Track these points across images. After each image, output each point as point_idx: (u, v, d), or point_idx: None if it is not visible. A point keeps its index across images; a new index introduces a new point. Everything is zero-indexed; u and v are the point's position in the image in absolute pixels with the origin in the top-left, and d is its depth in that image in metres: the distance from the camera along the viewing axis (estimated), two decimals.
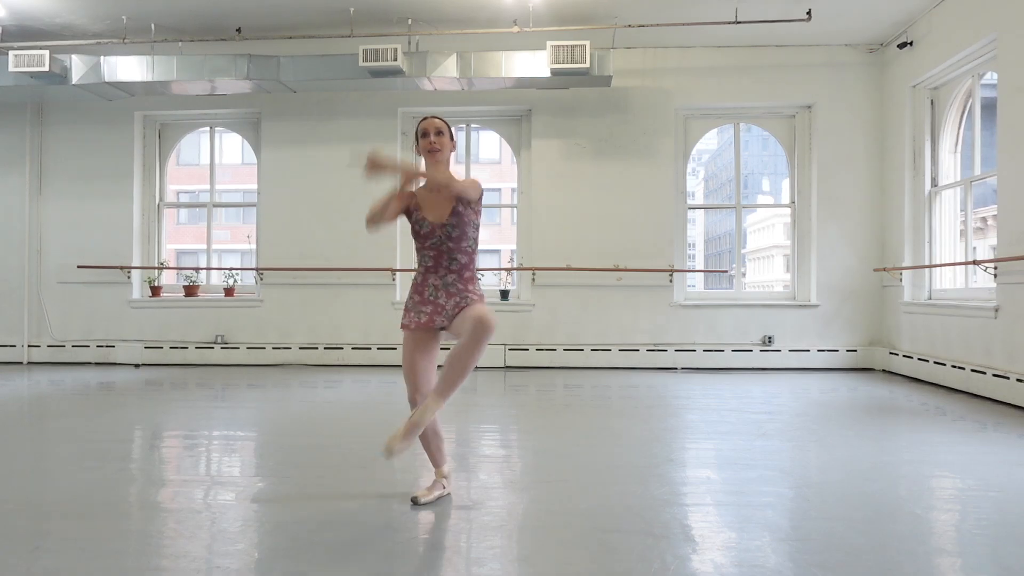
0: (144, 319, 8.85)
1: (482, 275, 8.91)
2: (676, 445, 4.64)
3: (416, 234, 3.36)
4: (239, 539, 2.85)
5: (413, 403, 3.30)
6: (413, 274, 3.36)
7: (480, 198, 3.38)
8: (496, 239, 28.98)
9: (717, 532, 2.94)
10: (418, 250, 3.40)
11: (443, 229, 3.30)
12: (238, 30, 8.01)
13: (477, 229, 3.40)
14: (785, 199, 9.23)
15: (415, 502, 3.24)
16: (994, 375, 6.12)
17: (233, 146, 25.97)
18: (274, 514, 3.14)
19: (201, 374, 7.91)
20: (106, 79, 7.86)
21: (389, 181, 3.30)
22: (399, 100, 8.63)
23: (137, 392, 6.68)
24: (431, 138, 3.35)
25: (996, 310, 6.17)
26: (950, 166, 7.55)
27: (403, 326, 3.35)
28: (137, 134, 9.01)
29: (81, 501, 3.29)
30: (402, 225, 8.77)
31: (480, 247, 3.49)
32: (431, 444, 3.37)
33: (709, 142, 63.41)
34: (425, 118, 3.43)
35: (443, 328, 3.31)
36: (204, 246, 9.48)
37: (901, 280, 7.83)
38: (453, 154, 3.50)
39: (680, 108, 8.50)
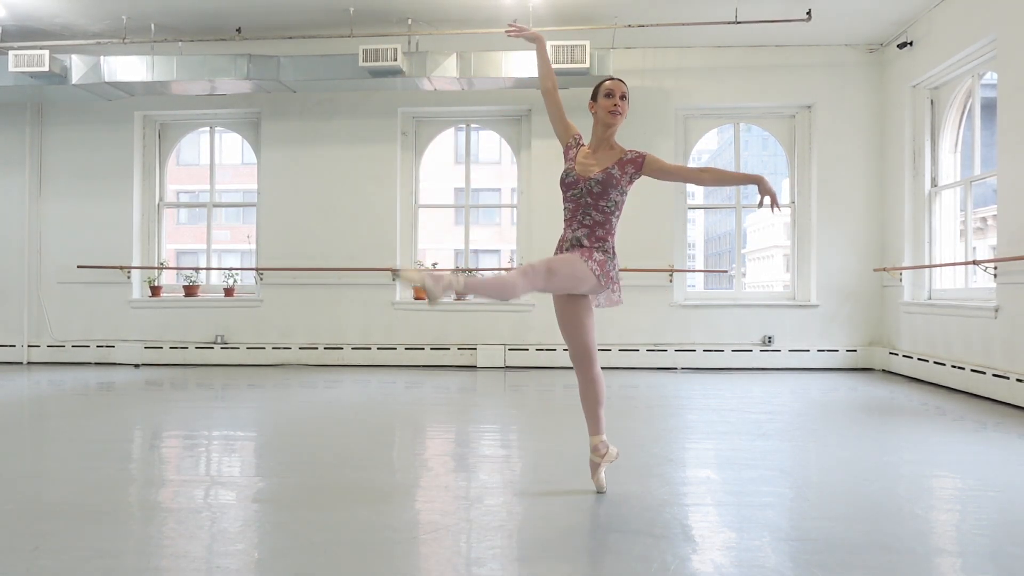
0: (144, 319, 8.85)
1: (482, 275, 8.90)
2: (676, 445, 4.64)
3: (562, 183, 3.40)
4: (239, 539, 2.85)
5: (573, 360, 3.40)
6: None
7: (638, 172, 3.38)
8: (496, 239, 28.97)
9: (717, 532, 2.94)
10: (563, 200, 3.42)
11: (587, 183, 3.31)
12: (238, 30, 8.01)
13: (623, 195, 3.38)
14: (785, 199, 9.23)
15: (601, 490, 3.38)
16: (994, 375, 6.12)
17: (233, 146, 25.95)
18: (274, 514, 3.14)
19: (201, 374, 7.91)
20: (106, 79, 7.86)
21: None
22: (399, 100, 8.63)
23: (137, 392, 6.68)
24: (616, 100, 3.35)
25: (996, 310, 6.17)
26: (950, 166, 7.55)
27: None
28: (137, 134, 9.01)
29: (81, 501, 3.29)
30: (402, 226, 8.78)
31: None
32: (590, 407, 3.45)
33: (709, 142, 63.32)
34: (611, 78, 3.44)
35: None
36: (204, 246, 9.48)
37: (901, 280, 7.83)
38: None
39: (680, 108, 8.50)
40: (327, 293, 8.66)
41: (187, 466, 4.11)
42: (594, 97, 3.43)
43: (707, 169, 3.46)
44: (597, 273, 3.24)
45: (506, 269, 3.30)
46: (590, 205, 3.32)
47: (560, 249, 3.38)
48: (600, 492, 3.39)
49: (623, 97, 3.36)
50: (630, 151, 3.39)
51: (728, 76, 8.42)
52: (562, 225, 3.43)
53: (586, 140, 3.53)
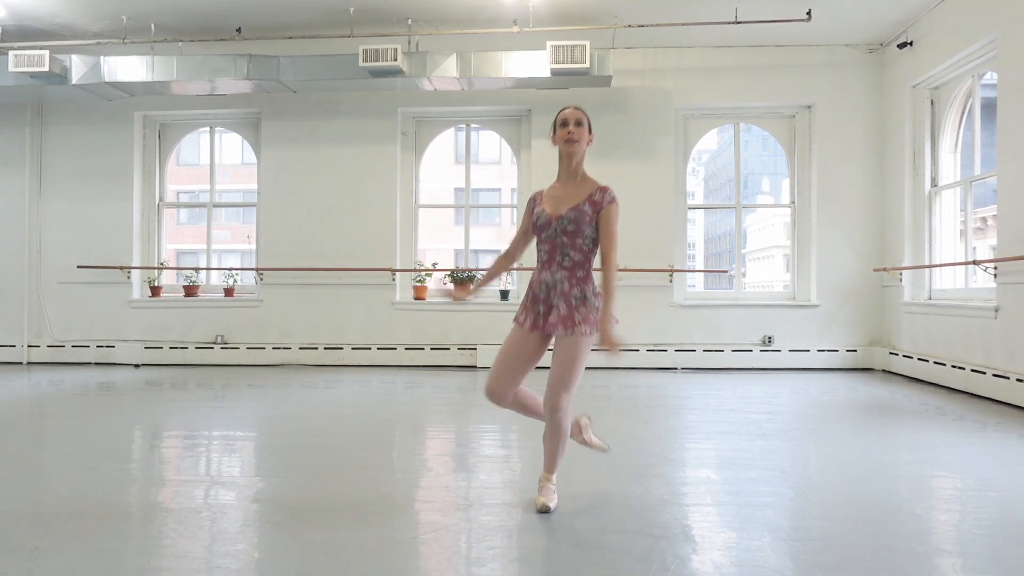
0: (144, 319, 8.85)
1: (482, 275, 8.88)
2: (676, 445, 4.64)
3: (533, 225, 3.30)
4: (239, 539, 2.85)
5: (490, 393, 3.28)
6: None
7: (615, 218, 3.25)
8: (496, 239, 28.98)
9: (717, 532, 2.94)
10: (536, 245, 3.33)
11: (559, 221, 3.20)
12: (238, 30, 8.01)
13: (596, 231, 3.21)
14: (785, 199, 9.23)
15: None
16: (994, 375, 6.12)
17: (233, 146, 25.96)
18: (274, 514, 3.14)
19: (201, 374, 7.91)
20: (106, 79, 7.86)
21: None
22: (399, 100, 8.63)
23: (137, 392, 6.68)
24: (570, 127, 3.25)
25: (996, 310, 6.17)
26: (950, 166, 7.55)
27: (515, 319, 3.32)
28: (137, 134, 9.01)
29: (81, 501, 3.29)
30: (402, 226, 8.78)
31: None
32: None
33: (709, 142, 63.38)
34: (565, 108, 3.32)
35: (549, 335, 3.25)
36: (204, 246, 9.48)
37: (901, 280, 7.83)
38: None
39: (680, 108, 8.50)
40: (327, 293, 8.66)
41: (187, 466, 4.11)
42: (553, 131, 3.33)
43: (611, 271, 3.18)
44: (591, 333, 3.16)
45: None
46: (567, 244, 3.19)
47: (531, 292, 3.26)
48: (606, 450, 3.60)
49: (578, 124, 3.25)
50: (598, 189, 3.24)
51: (728, 76, 8.41)
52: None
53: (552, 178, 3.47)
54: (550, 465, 3.26)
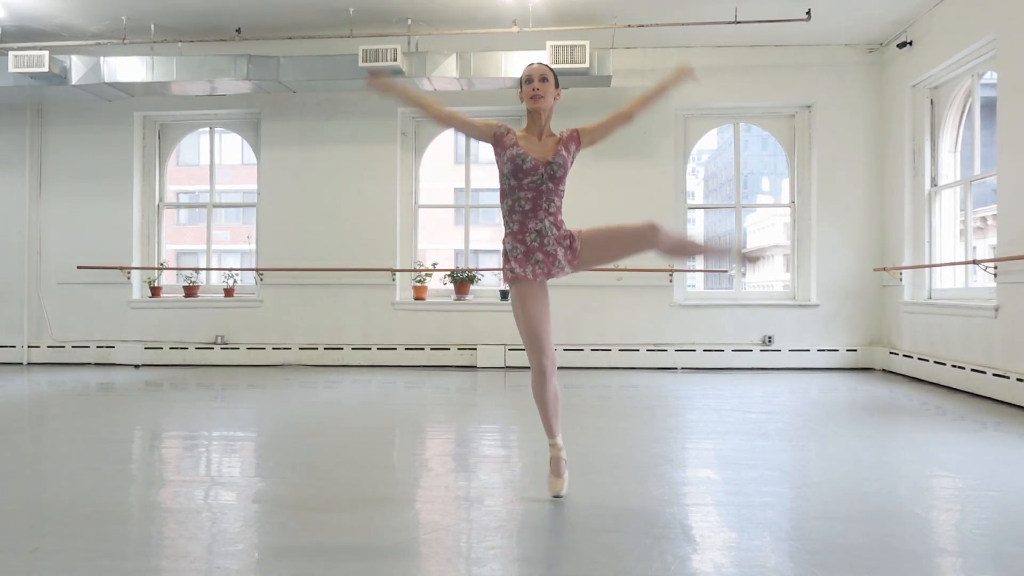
0: (144, 319, 8.85)
1: (482, 275, 8.91)
2: (676, 445, 4.64)
3: (515, 172, 3.18)
4: (239, 539, 2.85)
5: (541, 370, 3.17)
6: (503, 232, 3.31)
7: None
8: (496, 239, 28.93)
9: (717, 532, 2.94)
10: (511, 192, 3.22)
11: (548, 167, 3.17)
12: (238, 30, 8.01)
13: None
14: (785, 199, 9.23)
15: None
16: (994, 375, 6.12)
17: (233, 146, 25.94)
18: (274, 514, 3.14)
19: (201, 374, 7.91)
20: (106, 79, 7.86)
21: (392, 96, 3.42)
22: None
23: (137, 392, 6.68)
24: (535, 83, 3.20)
25: (996, 310, 6.17)
26: (950, 166, 7.55)
27: (518, 276, 3.17)
28: (137, 134, 9.01)
29: (81, 501, 3.29)
30: (402, 226, 8.78)
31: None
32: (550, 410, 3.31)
33: (709, 142, 63.26)
34: (531, 64, 3.29)
35: (555, 275, 3.22)
36: (204, 246, 9.48)
37: (901, 280, 7.83)
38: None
39: (680, 108, 8.50)
40: (327, 293, 8.66)
41: (187, 466, 4.11)
42: (520, 87, 3.28)
43: (629, 105, 3.41)
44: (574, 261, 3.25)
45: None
46: (551, 191, 3.19)
47: (521, 244, 3.20)
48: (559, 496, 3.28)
49: (543, 80, 3.20)
50: (562, 132, 3.30)
51: (728, 76, 8.41)
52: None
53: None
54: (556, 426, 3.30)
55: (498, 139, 3.24)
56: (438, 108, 3.33)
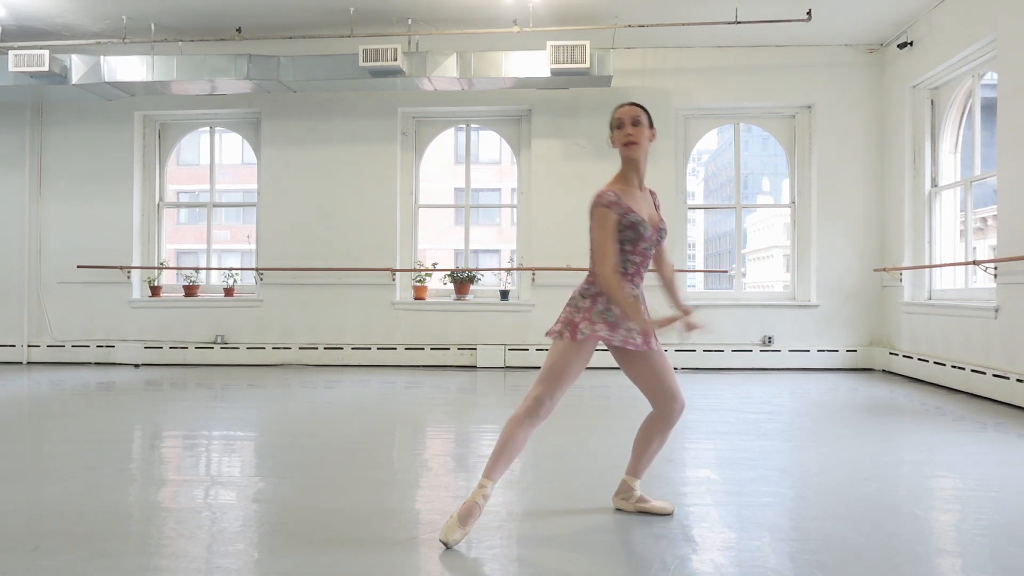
0: (144, 319, 8.85)
1: (482, 275, 8.91)
2: (676, 445, 4.63)
3: (638, 234, 2.91)
4: (239, 539, 2.85)
5: (538, 407, 2.86)
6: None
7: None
8: (496, 239, 28.98)
9: (717, 532, 2.94)
10: (624, 255, 2.94)
11: (658, 233, 2.99)
12: (238, 30, 8.01)
13: None
14: (785, 199, 9.23)
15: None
16: (994, 375, 6.12)
17: (233, 146, 25.97)
18: (274, 514, 3.14)
19: (201, 374, 7.91)
20: (106, 79, 7.86)
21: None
22: (399, 100, 8.63)
23: (137, 392, 6.68)
24: (627, 129, 2.92)
25: (996, 310, 6.17)
26: (950, 166, 7.55)
27: (599, 337, 2.88)
28: (137, 134, 9.01)
29: (81, 501, 3.29)
30: (402, 226, 8.78)
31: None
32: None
33: (709, 142, 63.36)
34: (621, 105, 2.99)
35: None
36: (204, 246, 9.48)
37: (901, 280, 7.83)
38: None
39: (680, 108, 8.50)
40: (327, 293, 8.66)
41: (187, 466, 4.11)
42: (612, 131, 3.01)
43: (667, 280, 3.14)
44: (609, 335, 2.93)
45: None
46: (651, 256, 3.04)
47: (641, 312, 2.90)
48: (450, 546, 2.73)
49: (635, 123, 2.92)
50: (651, 193, 3.12)
51: (728, 76, 8.42)
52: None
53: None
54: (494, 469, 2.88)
55: (616, 204, 2.91)
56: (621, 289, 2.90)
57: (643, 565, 2.53)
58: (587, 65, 7.29)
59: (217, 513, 3.15)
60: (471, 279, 8.70)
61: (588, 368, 3.38)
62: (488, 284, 9.09)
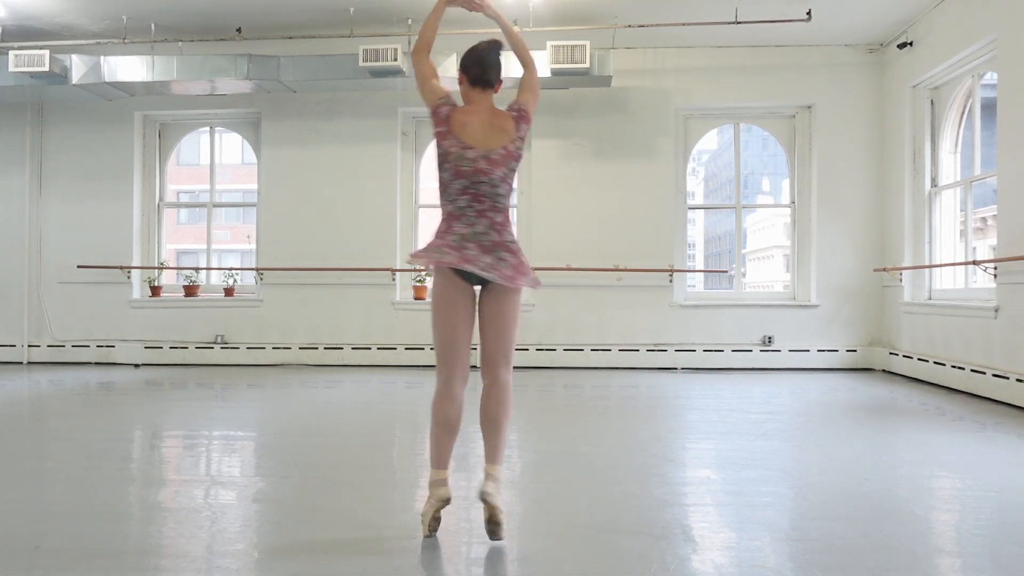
0: (144, 319, 8.85)
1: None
2: (676, 445, 4.64)
3: (457, 163, 2.75)
4: (239, 539, 2.85)
5: (447, 391, 2.86)
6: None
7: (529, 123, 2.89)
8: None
9: (717, 532, 2.94)
10: (446, 187, 2.78)
11: (493, 167, 2.75)
12: (238, 30, 8.01)
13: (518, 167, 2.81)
14: (785, 199, 9.23)
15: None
16: (994, 375, 6.12)
17: (233, 146, 25.95)
18: (274, 514, 3.14)
19: (201, 374, 7.91)
20: (106, 79, 7.86)
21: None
22: (399, 100, 8.62)
23: (137, 392, 6.68)
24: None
25: (996, 310, 6.17)
26: (950, 166, 7.55)
27: (433, 262, 2.73)
28: (137, 134, 9.00)
29: (81, 501, 3.29)
30: (402, 226, 8.77)
31: None
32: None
33: (709, 142, 63.32)
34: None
35: (474, 283, 2.78)
36: (204, 246, 9.48)
37: (901, 280, 7.83)
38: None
39: (680, 108, 8.50)
40: (327, 293, 8.66)
41: (187, 466, 4.11)
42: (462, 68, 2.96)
43: (519, 54, 3.25)
44: (533, 286, 2.85)
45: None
46: (495, 191, 2.76)
47: (448, 247, 2.72)
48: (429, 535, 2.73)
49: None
50: (510, 108, 2.96)
51: (728, 76, 8.41)
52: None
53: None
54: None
55: (438, 111, 2.97)
56: (428, 39, 2.97)
57: (643, 565, 2.53)
58: (587, 65, 7.28)
59: (217, 513, 3.15)
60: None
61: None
62: None
